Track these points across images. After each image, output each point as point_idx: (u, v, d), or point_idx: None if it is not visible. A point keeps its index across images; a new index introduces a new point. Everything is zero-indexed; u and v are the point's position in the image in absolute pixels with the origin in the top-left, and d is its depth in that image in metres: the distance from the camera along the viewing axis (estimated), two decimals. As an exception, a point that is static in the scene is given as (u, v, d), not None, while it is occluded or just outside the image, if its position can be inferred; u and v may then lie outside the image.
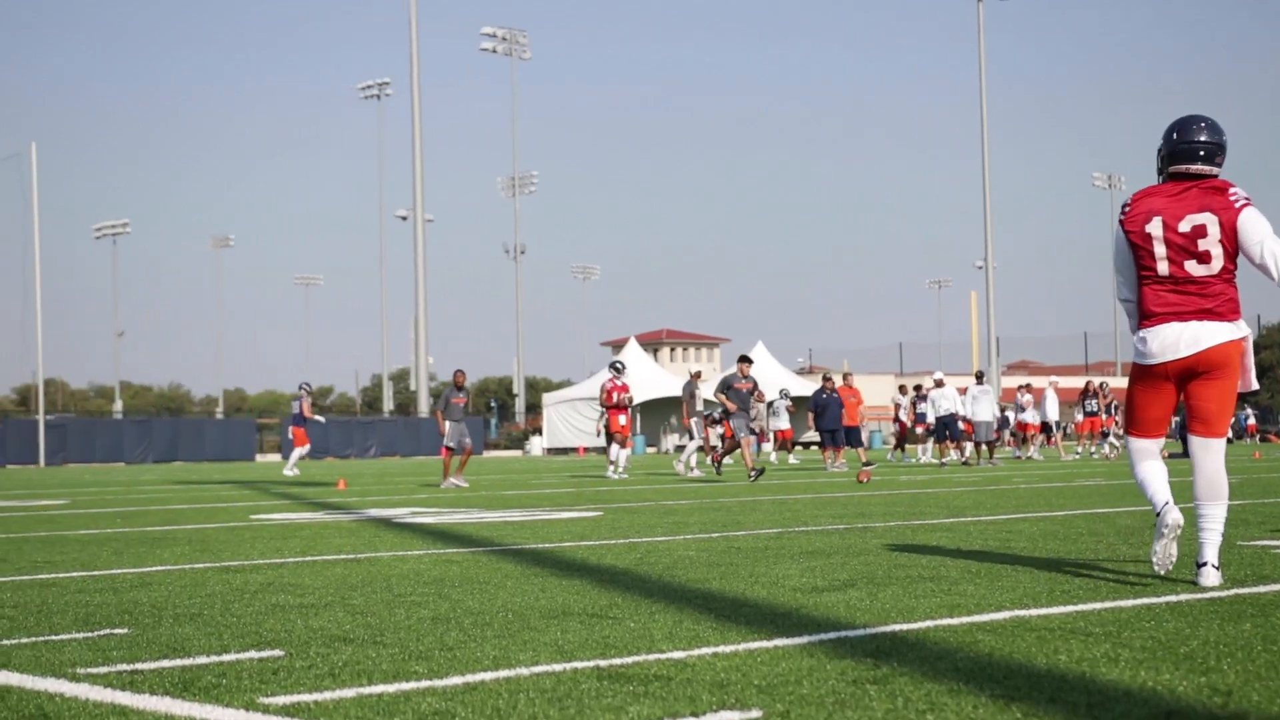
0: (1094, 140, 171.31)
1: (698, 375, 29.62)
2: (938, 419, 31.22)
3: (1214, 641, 4.94)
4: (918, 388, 36.93)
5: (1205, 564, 6.56)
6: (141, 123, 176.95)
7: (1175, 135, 6.65)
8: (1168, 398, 6.67)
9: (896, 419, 37.90)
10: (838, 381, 32.19)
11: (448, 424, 22.81)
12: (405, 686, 4.44)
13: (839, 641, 5.13)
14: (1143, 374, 6.67)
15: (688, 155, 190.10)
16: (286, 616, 6.19)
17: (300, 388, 31.50)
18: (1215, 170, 6.61)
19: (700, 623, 5.71)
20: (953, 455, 32.24)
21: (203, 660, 5.04)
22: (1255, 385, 6.71)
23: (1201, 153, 6.58)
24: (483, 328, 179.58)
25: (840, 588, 6.82)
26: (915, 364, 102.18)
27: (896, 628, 5.43)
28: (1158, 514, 6.61)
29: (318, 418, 33.16)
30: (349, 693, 4.35)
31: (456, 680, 4.53)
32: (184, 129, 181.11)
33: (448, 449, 22.73)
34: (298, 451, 31.67)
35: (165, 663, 5.00)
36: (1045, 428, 36.42)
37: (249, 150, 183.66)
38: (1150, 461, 6.77)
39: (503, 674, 4.61)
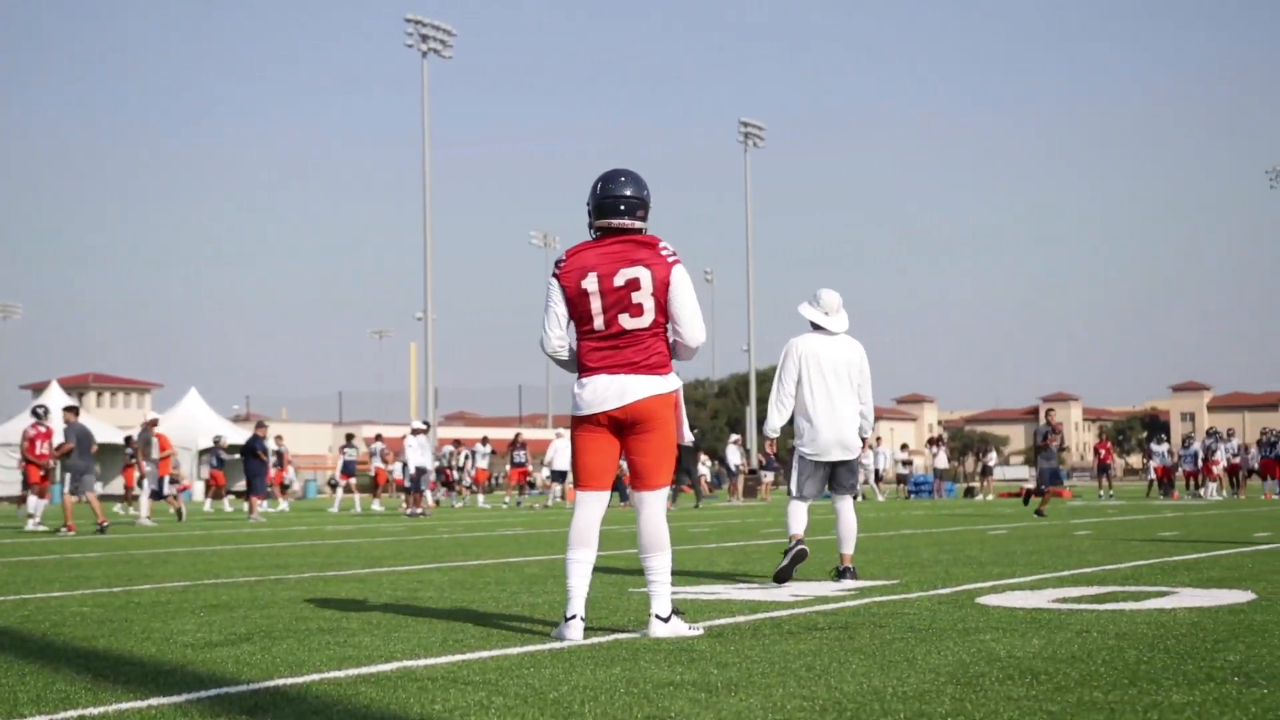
0: (531, 199, 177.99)
1: (153, 423, 28.94)
2: (417, 468, 31.21)
3: (583, 686, 5.16)
4: (377, 436, 37.29)
5: (653, 616, 6.68)
6: None
7: (599, 189, 6.70)
8: (607, 447, 6.69)
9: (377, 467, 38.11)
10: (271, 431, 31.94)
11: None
12: None
13: (218, 699, 5.00)
14: (579, 424, 6.73)
15: (117, 191, 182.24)
16: None
17: None
18: (641, 225, 6.74)
19: (75, 684, 5.42)
20: (427, 504, 32.15)
21: None
22: (690, 438, 7.01)
23: (623, 206, 6.68)
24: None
25: (235, 642, 6.67)
26: (355, 413, 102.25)
27: (281, 682, 5.36)
28: (566, 615, 6.60)
29: None
30: None
31: None
32: None
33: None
34: None
35: None
36: (558, 476, 37.08)
37: None
38: (583, 549, 6.65)
39: None
